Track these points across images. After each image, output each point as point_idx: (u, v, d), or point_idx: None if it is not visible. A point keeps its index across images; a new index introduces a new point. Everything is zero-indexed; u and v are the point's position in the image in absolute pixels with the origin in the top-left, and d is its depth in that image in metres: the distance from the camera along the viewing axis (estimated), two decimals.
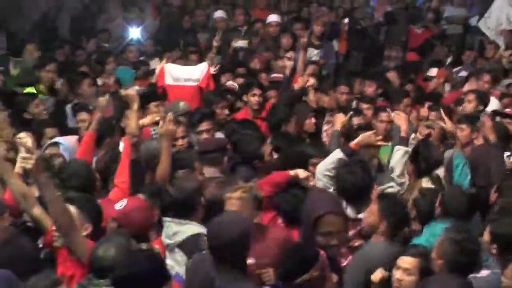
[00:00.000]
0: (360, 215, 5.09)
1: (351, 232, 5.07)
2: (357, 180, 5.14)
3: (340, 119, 6.65)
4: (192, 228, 4.70)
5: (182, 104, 7.27)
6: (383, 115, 7.25)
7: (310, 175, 5.40)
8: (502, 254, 4.35)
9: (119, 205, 4.73)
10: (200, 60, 9.45)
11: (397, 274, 4.28)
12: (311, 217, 4.07)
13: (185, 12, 11.92)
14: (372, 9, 15.90)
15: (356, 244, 5.00)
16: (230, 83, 8.64)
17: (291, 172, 5.34)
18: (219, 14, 11.23)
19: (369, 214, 4.85)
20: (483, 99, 7.98)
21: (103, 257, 4.02)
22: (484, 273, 4.30)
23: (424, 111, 7.96)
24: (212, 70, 8.43)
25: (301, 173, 5.33)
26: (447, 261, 4.15)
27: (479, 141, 6.80)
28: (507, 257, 4.21)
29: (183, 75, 8.29)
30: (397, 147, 5.85)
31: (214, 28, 11.11)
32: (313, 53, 10.50)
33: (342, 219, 4.25)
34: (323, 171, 5.38)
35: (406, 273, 4.26)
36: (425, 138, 6.75)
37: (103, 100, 6.22)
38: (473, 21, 14.92)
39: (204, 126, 6.69)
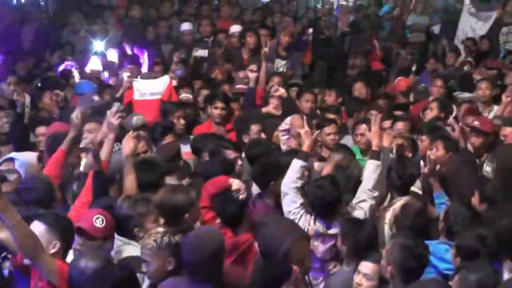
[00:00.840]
0: (331, 231, 5.08)
1: (322, 248, 5.09)
2: (326, 195, 5.12)
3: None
4: (134, 249, 4.63)
5: (135, 118, 7.22)
6: (361, 128, 7.07)
7: (243, 188, 5.30)
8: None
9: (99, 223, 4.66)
10: (164, 71, 9.47)
11: (356, 279, 4.33)
12: (280, 251, 4.00)
13: (148, 24, 11.87)
14: (336, 19, 16.02)
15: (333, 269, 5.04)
16: (183, 95, 8.56)
17: (230, 180, 5.31)
18: (186, 27, 11.20)
19: None
20: (445, 106, 8.00)
21: (84, 270, 4.05)
22: None
23: (387, 123, 7.68)
24: (174, 82, 8.43)
25: (235, 184, 5.27)
26: (396, 267, 4.17)
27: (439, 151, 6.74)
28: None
29: (148, 89, 8.29)
30: (369, 161, 5.73)
31: (178, 39, 11.08)
32: (281, 64, 10.50)
33: (307, 240, 4.24)
34: (289, 184, 5.36)
35: (365, 278, 4.30)
36: (398, 153, 6.69)
37: (76, 116, 6.08)
38: (435, 29, 15.14)
39: (168, 139, 6.69)
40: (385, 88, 10.71)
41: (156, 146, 6.68)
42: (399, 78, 10.33)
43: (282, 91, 8.15)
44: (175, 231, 4.39)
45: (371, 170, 5.58)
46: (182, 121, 7.42)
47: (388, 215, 5.44)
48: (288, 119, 6.98)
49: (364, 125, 6.78)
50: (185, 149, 7.04)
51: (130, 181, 5.39)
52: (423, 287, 4.02)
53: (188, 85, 9.14)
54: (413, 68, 11.77)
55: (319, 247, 5.10)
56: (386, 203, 5.83)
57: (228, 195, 5.15)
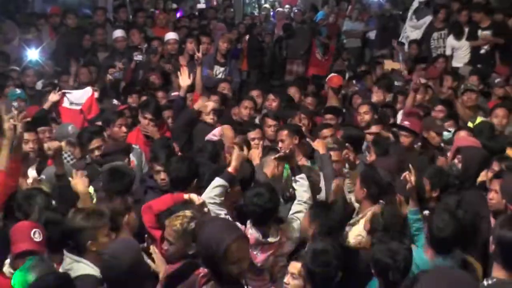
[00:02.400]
0: (270, 239, 5.06)
1: (261, 256, 5.05)
2: (265, 203, 5.05)
3: (322, 144, 6.62)
4: (84, 267, 4.53)
5: (70, 127, 7.32)
6: (282, 134, 6.84)
7: (203, 202, 5.27)
8: None
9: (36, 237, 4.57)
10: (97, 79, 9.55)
11: (285, 278, 4.38)
12: (219, 250, 3.96)
13: (85, 32, 11.72)
14: (273, 25, 16.13)
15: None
16: (116, 102, 8.46)
17: (185, 196, 5.28)
18: (118, 34, 11.08)
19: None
20: (376, 109, 8.17)
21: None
22: None
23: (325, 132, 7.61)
24: (96, 94, 8.40)
25: (195, 198, 5.24)
26: (307, 271, 4.26)
27: (371, 157, 6.87)
28: None
29: (73, 99, 8.30)
30: (300, 176, 5.69)
31: (114, 47, 10.98)
32: (219, 71, 10.49)
33: (247, 242, 4.19)
34: (207, 200, 5.28)
35: (292, 277, 4.35)
36: (369, 163, 6.71)
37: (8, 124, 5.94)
38: (371, 35, 15.35)
39: (95, 143, 6.68)
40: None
41: (83, 151, 6.76)
42: (332, 74, 10.45)
43: (212, 105, 7.97)
44: None
45: (300, 184, 5.63)
46: (123, 129, 7.35)
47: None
48: (216, 130, 7.00)
49: (286, 131, 6.74)
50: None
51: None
52: None
53: (135, 92, 9.10)
54: (347, 74, 12.05)
55: (258, 256, 5.08)
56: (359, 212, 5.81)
57: (173, 212, 5.06)
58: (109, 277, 4.10)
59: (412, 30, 12.85)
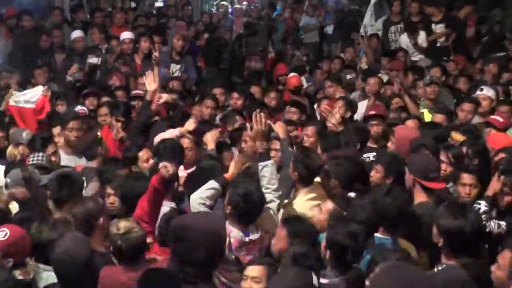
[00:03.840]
0: (252, 236, 4.89)
1: (248, 258, 4.85)
2: (255, 201, 4.91)
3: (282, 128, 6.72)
4: (53, 276, 4.46)
5: (26, 133, 7.33)
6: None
7: None
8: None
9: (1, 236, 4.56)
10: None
11: (245, 284, 4.28)
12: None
13: (42, 32, 11.59)
14: (231, 22, 16.15)
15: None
16: (79, 107, 8.37)
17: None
18: (77, 34, 10.99)
19: (278, 241, 4.77)
20: (351, 105, 8.11)
21: None
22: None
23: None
24: (48, 94, 8.34)
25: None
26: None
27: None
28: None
29: (26, 98, 8.24)
30: (264, 163, 5.52)
31: (71, 48, 10.90)
32: (176, 68, 10.49)
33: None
34: (198, 200, 5.24)
35: (254, 281, 4.26)
36: (302, 146, 6.79)
37: None
38: (328, 29, 15.47)
39: (51, 149, 6.78)
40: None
41: None
42: (290, 75, 10.54)
43: (165, 96, 7.88)
44: None
45: (269, 171, 5.50)
46: (74, 133, 7.31)
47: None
48: (177, 130, 6.92)
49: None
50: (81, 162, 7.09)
51: None
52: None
53: (93, 95, 9.05)
54: (307, 68, 12.18)
55: (246, 257, 4.87)
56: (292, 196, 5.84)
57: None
58: (66, 273, 4.07)
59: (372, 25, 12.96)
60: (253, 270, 4.31)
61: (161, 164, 5.06)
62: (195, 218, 4.05)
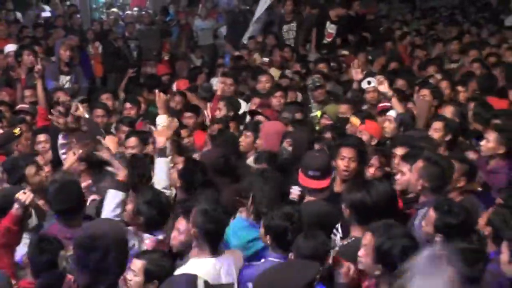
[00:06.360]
0: (160, 237, 4.97)
1: None
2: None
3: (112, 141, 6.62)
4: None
5: None
6: None
7: None
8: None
9: None
10: None
11: (127, 275, 4.31)
12: None
13: None
14: (123, 29, 15.84)
15: None
16: None
17: None
18: None
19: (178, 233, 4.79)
20: (232, 104, 8.24)
21: None
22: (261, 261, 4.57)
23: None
24: None
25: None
26: (199, 229, 4.44)
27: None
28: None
29: None
30: (159, 159, 5.66)
31: None
32: (66, 80, 10.10)
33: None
34: (109, 213, 5.15)
35: (133, 274, 4.34)
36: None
37: None
38: (222, 31, 15.45)
39: None
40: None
41: None
42: (178, 80, 10.55)
43: (81, 110, 7.58)
44: None
45: (163, 169, 5.62)
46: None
47: None
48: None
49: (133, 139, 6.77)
50: None
51: None
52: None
53: None
54: (205, 71, 12.06)
55: None
56: None
57: None
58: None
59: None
60: (134, 265, 4.38)
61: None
62: (99, 226, 3.95)
